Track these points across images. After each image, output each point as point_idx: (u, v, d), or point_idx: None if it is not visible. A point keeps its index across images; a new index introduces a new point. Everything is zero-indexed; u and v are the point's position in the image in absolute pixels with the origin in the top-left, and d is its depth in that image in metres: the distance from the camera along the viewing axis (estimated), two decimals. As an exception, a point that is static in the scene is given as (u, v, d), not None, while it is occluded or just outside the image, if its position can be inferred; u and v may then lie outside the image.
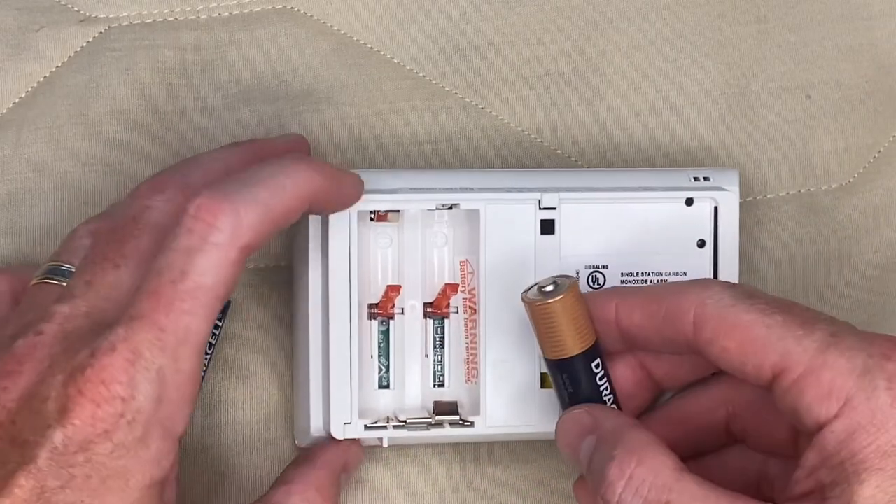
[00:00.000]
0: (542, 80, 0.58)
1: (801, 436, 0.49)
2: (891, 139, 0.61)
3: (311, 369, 0.52)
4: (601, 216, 0.53)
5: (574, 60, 0.59)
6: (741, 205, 0.56)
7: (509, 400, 0.53)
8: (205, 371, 0.54)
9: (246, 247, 0.44)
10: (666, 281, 0.54)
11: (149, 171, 0.54)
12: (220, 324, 0.54)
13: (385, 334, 0.53)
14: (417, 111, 0.57)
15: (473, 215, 0.53)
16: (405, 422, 0.52)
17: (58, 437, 0.43)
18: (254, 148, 0.52)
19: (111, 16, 0.56)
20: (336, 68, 0.57)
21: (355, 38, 0.57)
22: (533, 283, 0.50)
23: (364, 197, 0.51)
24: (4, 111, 0.55)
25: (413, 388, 0.53)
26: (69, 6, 0.56)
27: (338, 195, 0.49)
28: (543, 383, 0.53)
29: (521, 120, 0.58)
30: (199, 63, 0.56)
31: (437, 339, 0.53)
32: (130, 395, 0.43)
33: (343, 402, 0.52)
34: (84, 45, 0.56)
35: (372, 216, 0.52)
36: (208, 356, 0.54)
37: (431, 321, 0.53)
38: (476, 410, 0.53)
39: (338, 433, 0.52)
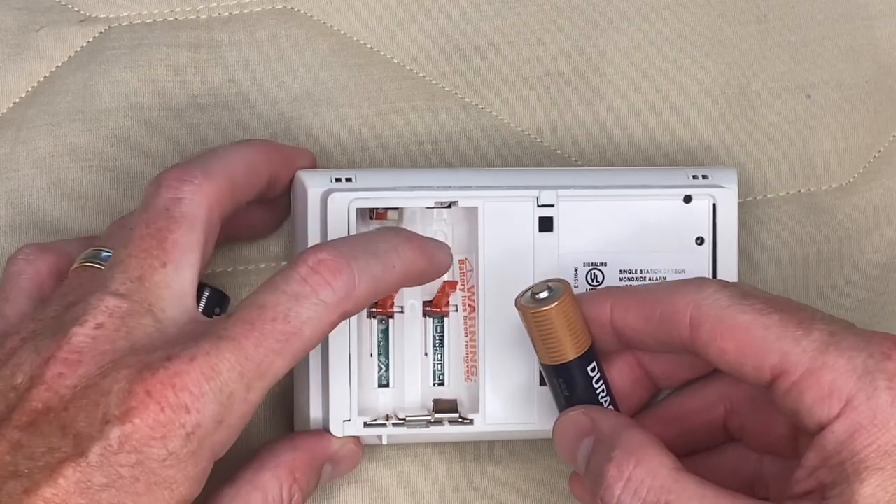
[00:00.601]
0: (542, 80, 0.58)
1: (800, 434, 0.49)
2: (891, 139, 0.61)
3: (311, 367, 0.52)
4: (599, 213, 0.53)
5: (574, 60, 0.59)
6: (741, 205, 0.56)
7: (509, 398, 0.53)
8: None
9: (346, 313, 0.46)
10: (665, 279, 0.54)
11: (147, 168, 0.55)
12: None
13: (384, 333, 0.53)
14: (417, 111, 0.57)
15: (472, 213, 0.53)
16: (404, 419, 0.52)
17: (114, 433, 0.43)
18: (268, 149, 0.52)
19: (111, 16, 0.56)
20: (336, 68, 0.57)
21: (355, 39, 0.58)
22: (526, 288, 0.49)
23: (363, 195, 0.51)
24: (5, 111, 0.55)
25: (412, 387, 0.53)
26: (69, 6, 0.56)
27: (432, 273, 0.50)
28: (543, 381, 0.52)
29: (521, 120, 0.58)
30: (199, 62, 0.56)
31: (437, 337, 0.53)
32: (196, 408, 0.43)
33: (342, 400, 0.52)
34: (84, 45, 0.56)
35: (371, 214, 0.52)
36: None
37: (431, 319, 0.53)
38: (475, 408, 0.53)
39: (337, 431, 0.52)
